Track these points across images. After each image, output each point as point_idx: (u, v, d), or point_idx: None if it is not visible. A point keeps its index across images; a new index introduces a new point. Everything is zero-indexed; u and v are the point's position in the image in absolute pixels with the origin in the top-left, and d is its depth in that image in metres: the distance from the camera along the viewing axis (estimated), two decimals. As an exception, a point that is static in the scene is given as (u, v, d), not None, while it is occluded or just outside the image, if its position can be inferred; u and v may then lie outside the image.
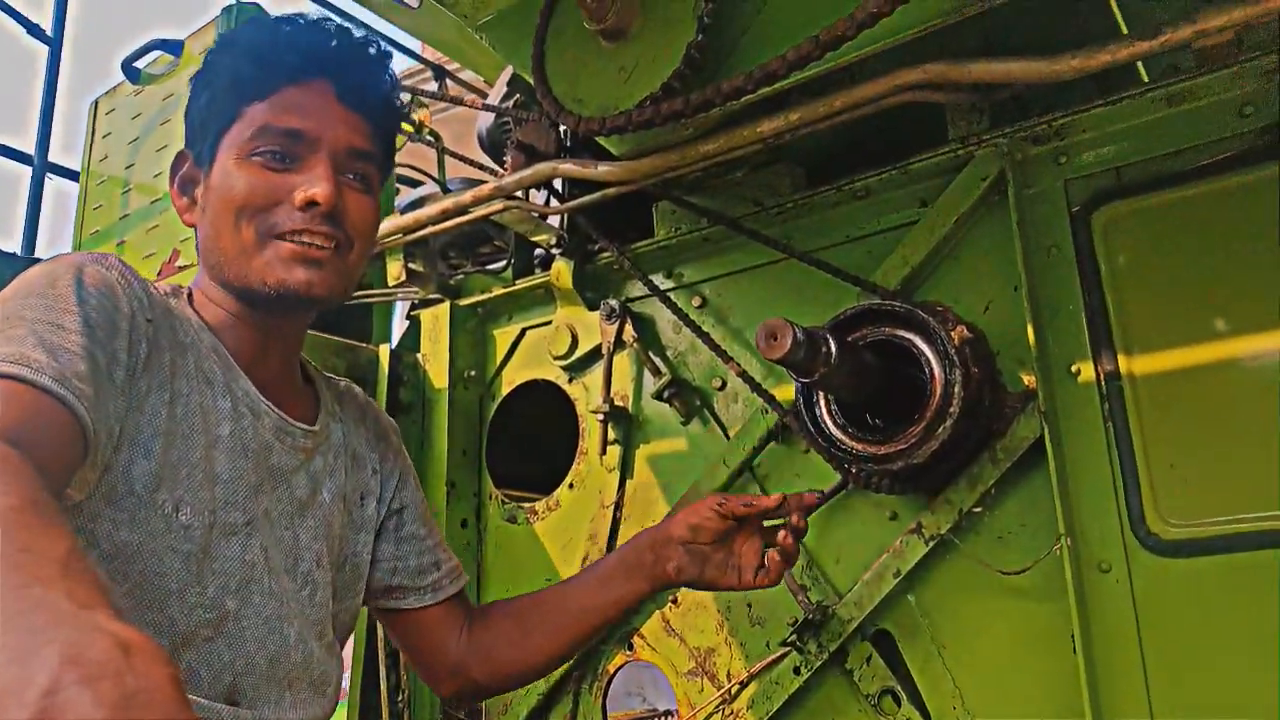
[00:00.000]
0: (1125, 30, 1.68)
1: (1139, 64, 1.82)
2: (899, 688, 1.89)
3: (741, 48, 1.86)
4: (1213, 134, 1.69)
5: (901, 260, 2.00)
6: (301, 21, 1.32)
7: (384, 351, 2.80)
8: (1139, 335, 1.73)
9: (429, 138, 2.95)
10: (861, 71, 1.90)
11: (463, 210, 2.57)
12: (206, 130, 1.29)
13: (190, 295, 1.35)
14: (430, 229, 2.68)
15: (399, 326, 3.21)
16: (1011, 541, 1.81)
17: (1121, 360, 1.73)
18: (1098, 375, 1.74)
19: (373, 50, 1.35)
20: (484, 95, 3.40)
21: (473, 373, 2.83)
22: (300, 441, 1.38)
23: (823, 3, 1.71)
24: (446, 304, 2.83)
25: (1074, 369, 1.78)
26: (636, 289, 2.49)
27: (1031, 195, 1.87)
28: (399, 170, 3.19)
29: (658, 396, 2.37)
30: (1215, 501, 1.62)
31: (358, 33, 1.36)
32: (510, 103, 2.76)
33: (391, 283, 2.97)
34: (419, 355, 2.86)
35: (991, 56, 1.72)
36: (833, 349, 1.61)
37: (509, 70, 2.80)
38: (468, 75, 3.99)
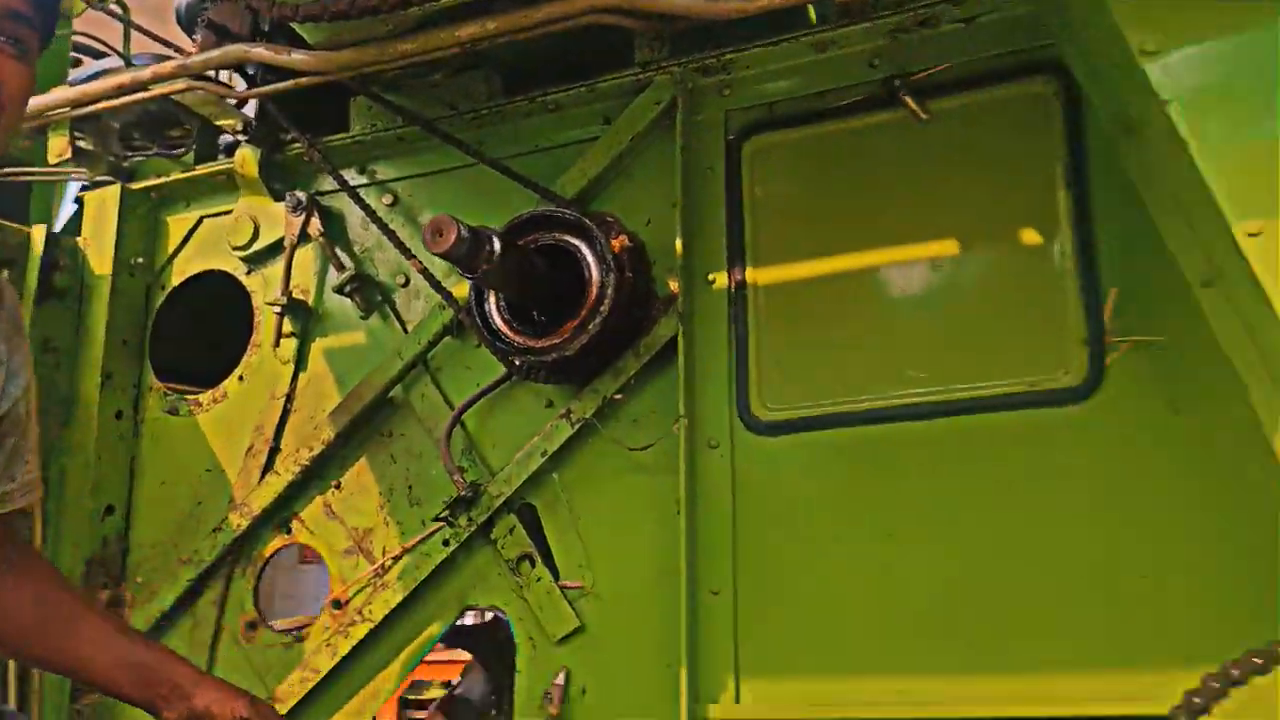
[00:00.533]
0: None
1: (810, 8, 2.12)
2: (534, 553, 2.08)
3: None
4: (847, 80, 2.02)
5: (580, 173, 2.20)
6: None
7: (37, 233, 2.62)
8: (767, 252, 2.03)
9: (114, 7, 2.77)
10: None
11: (141, 87, 2.45)
12: None
13: None
14: (102, 104, 2.52)
15: (71, 209, 2.99)
16: (644, 424, 2.07)
17: (750, 273, 2.03)
18: (729, 285, 2.04)
19: None
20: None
21: (140, 260, 2.70)
22: None
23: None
24: (116, 186, 2.69)
25: (711, 278, 2.06)
26: (327, 183, 2.51)
27: (697, 122, 2.13)
28: (82, 40, 2.97)
29: (339, 290, 2.41)
30: (807, 391, 1.95)
31: None
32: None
33: (54, 160, 2.76)
34: (79, 240, 2.69)
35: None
36: (496, 248, 1.78)
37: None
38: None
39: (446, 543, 2.15)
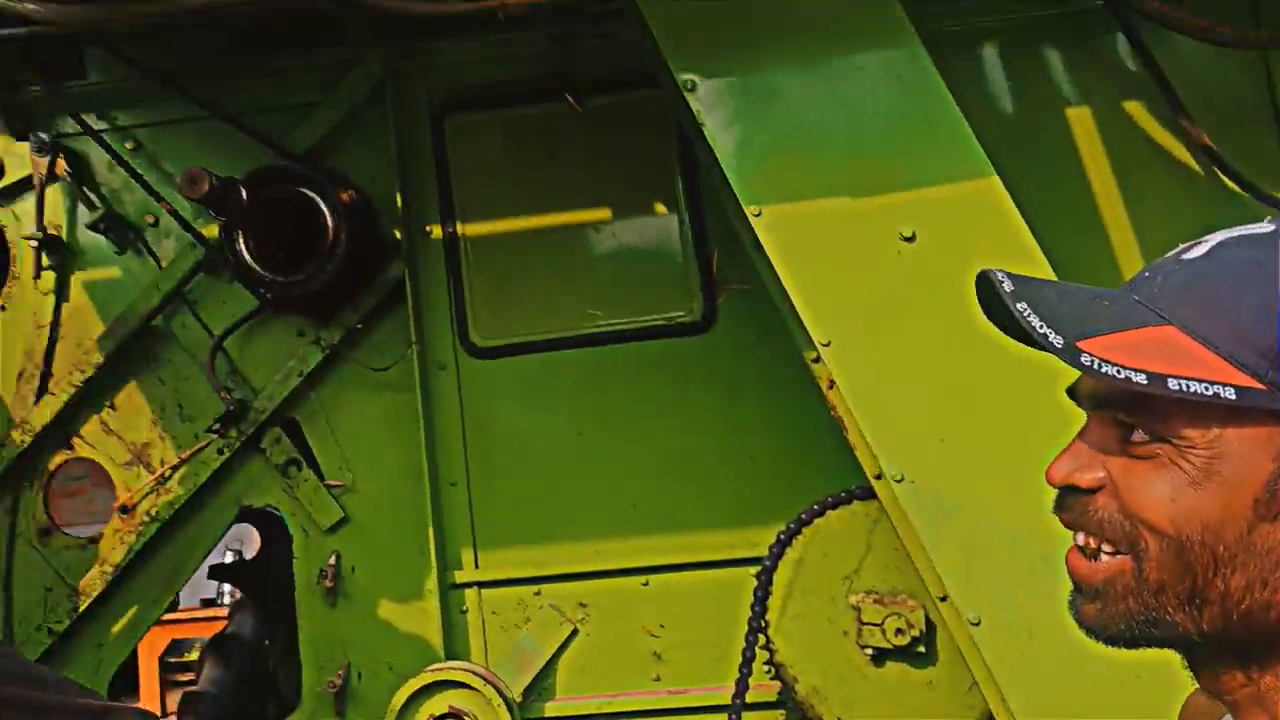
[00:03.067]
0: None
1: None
2: (300, 458, 2.54)
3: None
4: (523, 75, 2.46)
5: (308, 133, 2.53)
6: None
7: None
8: (471, 210, 2.49)
9: None
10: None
11: None
12: None
13: None
14: None
15: None
16: (383, 349, 2.53)
17: (459, 225, 2.49)
18: (444, 234, 2.49)
19: None
20: None
21: (-125, 192, 2.77)
22: None
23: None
24: None
25: (428, 229, 2.50)
26: (70, 126, 2.67)
27: (405, 98, 2.51)
28: None
29: (92, 228, 2.65)
30: (512, 324, 2.48)
31: None
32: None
33: None
34: None
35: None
36: (242, 195, 2.12)
37: None
38: None
39: (221, 451, 2.56)
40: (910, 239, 1.63)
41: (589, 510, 2.42)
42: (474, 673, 2.23)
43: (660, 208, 2.39)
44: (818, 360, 1.87)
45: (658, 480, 2.39)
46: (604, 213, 2.42)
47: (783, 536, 2.11)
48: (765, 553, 2.17)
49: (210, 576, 3.83)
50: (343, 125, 2.53)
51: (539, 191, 2.45)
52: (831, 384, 1.84)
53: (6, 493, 2.71)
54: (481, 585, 2.44)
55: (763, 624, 2.13)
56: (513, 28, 2.39)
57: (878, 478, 1.81)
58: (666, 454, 2.39)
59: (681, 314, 2.37)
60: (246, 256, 2.45)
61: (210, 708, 4.10)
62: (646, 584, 2.37)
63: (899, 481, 1.64)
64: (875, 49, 1.68)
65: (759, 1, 1.73)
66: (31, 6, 2.41)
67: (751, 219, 1.71)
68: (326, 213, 2.41)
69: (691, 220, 2.36)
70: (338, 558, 2.52)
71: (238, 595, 4.34)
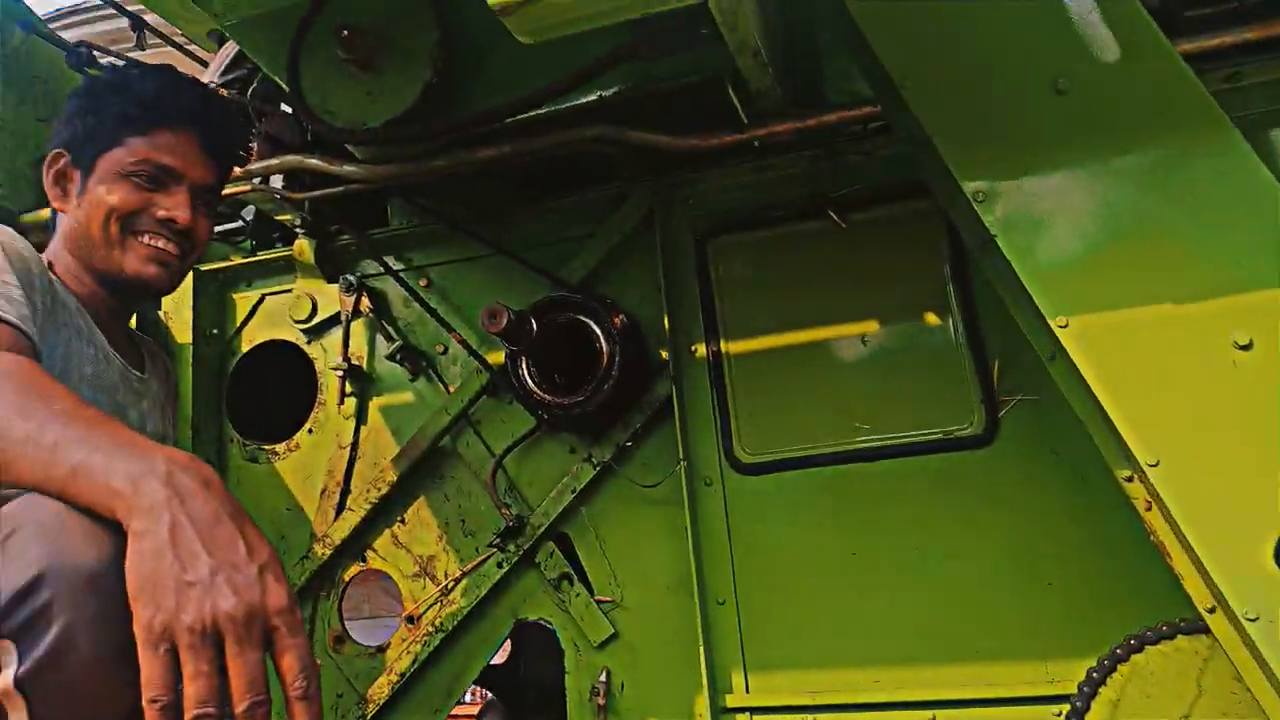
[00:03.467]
0: (744, 120, 2.43)
1: (755, 143, 2.60)
2: (572, 573, 2.62)
3: (468, 91, 2.43)
4: (783, 196, 2.53)
5: (581, 264, 2.69)
6: (179, 79, 1.80)
7: (130, 311, 3.09)
8: (734, 328, 2.55)
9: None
10: (557, 121, 2.54)
11: (213, 190, 2.92)
12: (89, 146, 1.73)
13: (50, 265, 1.77)
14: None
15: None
16: (652, 465, 2.59)
17: (723, 344, 2.55)
18: (708, 353, 2.55)
19: (230, 108, 1.88)
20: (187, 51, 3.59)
21: (215, 331, 3.19)
22: (135, 385, 1.90)
23: (533, 65, 2.32)
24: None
25: (694, 348, 2.57)
26: (372, 267, 3.00)
27: (670, 225, 2.64)
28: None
29: (390, 358, 2.92)
30: (776, 439, 2.48)
31: (220, 93, 1.84)
32: (234, 75, 3.10)
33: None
34: (161, 313, 3.17)
35: (646, 129, 2.43)
36: (533, 326, 2.28)
37: (231, 46, 3.11)
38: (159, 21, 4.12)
39: (500, 565, 2.69)
40: (1247, 347, 1.50)
41: (865, 636, 2.32)
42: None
43: (931, 318, 2.35)
44: (1131, 480, 1.73)
45: (941, 606, 2.27)
46: (870, 325, 2.40)
47: (1095, 674, 1.93)
48: (1072, 690, 2.00)
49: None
50: (613, 254, 2.68)
51: (802, 307, 2.47)
52: (1150, 505, 1.70)
53: (306, 602, 2.95)
54: (754, 711, 2.38)
55: (1071, 767, 1.94)
56: (775, 152, 2.48)
57: (1211, 611, 1.63)
58: (950, 577, 2.27)
59: (960, 427, 2.29)
60: (528, 380, 2.61)
61: None
62: (934, 719, 2.22)
63: (1253, 621, 1.46)
64: (1189, 139, 1.59)
65: (1050, 104, 1.69)
66: (349, 169, 2.76)
67: (1057, 330, 1.63)
68: (601, 337, 2.54)
69: (967, 330, 2.30)
70: (608, 674, 2.55)
71: (487, 696, 4.52)
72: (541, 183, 2.79)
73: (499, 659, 3.70)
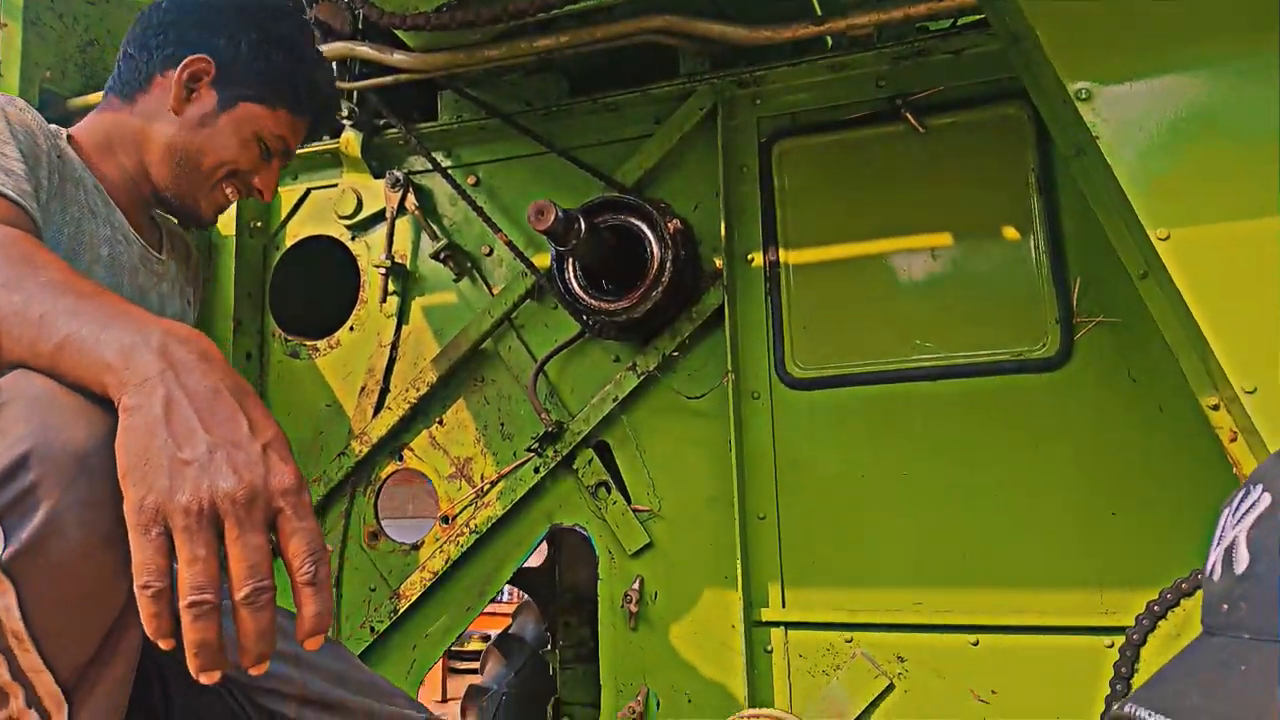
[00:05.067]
0: (819, 12, 2.31)
1: (827, 38, 2.46)
2: (610, 480, 2.57)
3: (526, -23, 2.32)
4: (857, 97, 2.40)
5: (637, 165, 2.59)
6: (333, 75, 1.94)
7: (175, 197, 3.04)
8: (794, 237, 2.44)
9: None
10: (619, 11, 2.43)
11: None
12: (238, 84, 1.71)
13: (69, 138, 1.71)
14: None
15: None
16: (697, 377, 2.52)
17: (781, 253, 2.45)
18: (765, 262, 2.45)
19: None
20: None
21: (259, 224, 3.14)
22: (156, 267, 1.83)
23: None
24: (236, 158, 3.10)
25: (749, 257, 2.48)
26: (419, 164, 2.92)
27: (734, 125, 2.52)
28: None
29: (434, 257, 2.85)
30: (830, 353, 2.39)
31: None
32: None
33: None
34: (207, 203, 3.12)
35: (714, 18, 2.31)
36: (582, 227, 2.19)
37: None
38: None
39: (537, 470, 2.64)
40: (1365, 268, 1.39)
41: (909, 557, 2.26)
42: None
43: (1010, 233, 2.23)
44: (1217, 408, 1.63)
45: (992, 530, 2.19)
46: (941, 238, 2.29)
47: (1156, 607, 1.85)
48: (1128, 623, 1.92)
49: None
50: (670, 156, 2.58)
51: (869, 217, 2.36)
52: (1235, 436, 1.59)
53: (342, 497, 2.94)
54: (789, 625, 2.34)
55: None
56: (853, 49, 2.35)
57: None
58: (1005, 501, 2.19)
59: (1032, 349, 2.18)
60: (574, 284, 2.53)
61: (491, 701, 4.41)
62: (976, 643, 2.16)
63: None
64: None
65: (1163, 2, 1.56)
66: (398, 56, 2.67)
67: (1156, 243, 1.52)
68: (653, 242, 2.45)
69: (1049, 247, 2.18)
70: (641, 583, 2.51)
71: (522, 597, 4.57)
72: (599, 78, 2.68)
73: (534, 561, 3.71)
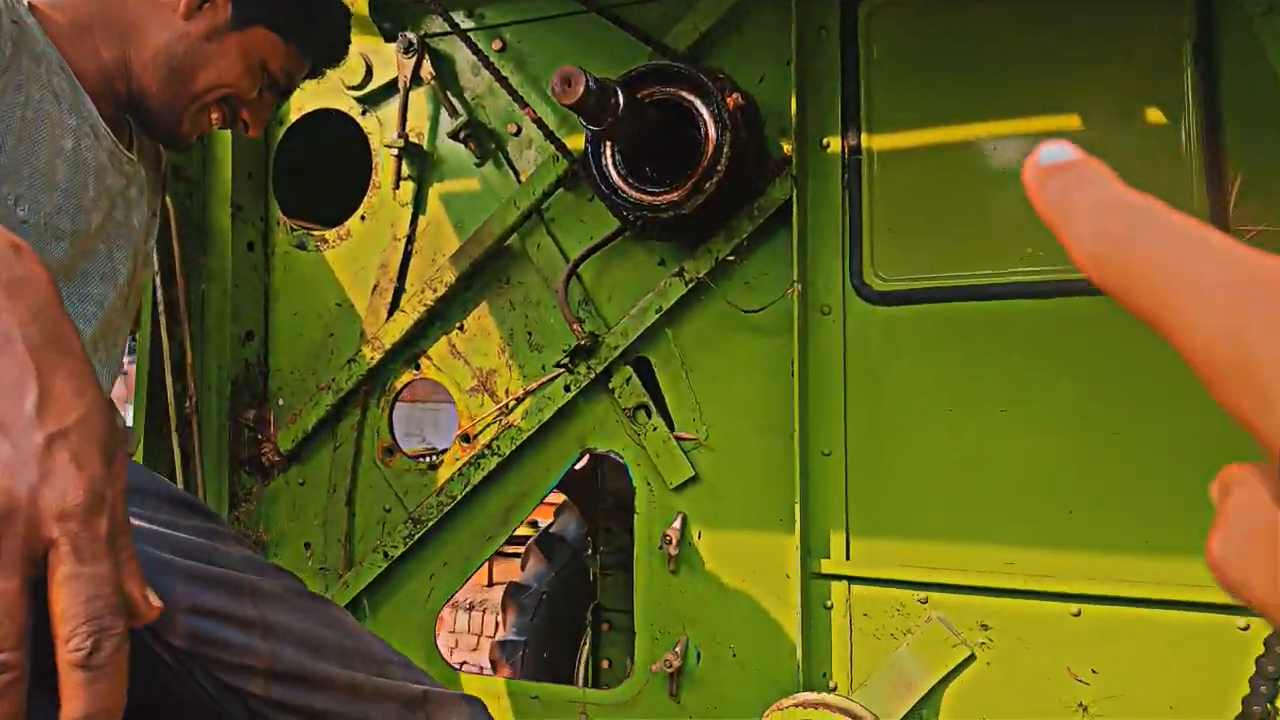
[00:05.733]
0: None
1: None
2: (650, 403, 2.23)
3: None
4: (968, -58, 1.92)
5: (691, 26, 2.15)
6: (346, 16, 1.78)
7: (162, 62, 2.66)
8: (883, 115, 2.01)
9: None
10: None
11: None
12: (257, 5, 1.56)
13: (32, 7, 1.43)
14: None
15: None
16: (756, 286, 2.13)
17: (865, 137, 2.02)
18: (843, 148, 2.03)
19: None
20: None
21: (260, 94, 2.76)
22: (125, 168, 1.58)
23: None
24: (231, 17, 2.70)
25: (825, 141, 2.05)
26: (436, 24, 2.50)
27: (814, -20, 2.06)
28: None
29: (453, 136, 2.46)
30: (919, 261, 1.98)
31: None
32: None
33: None
34: (201, 70, 2.74)
35: None
36: (621, 100, 1.78)
37: None
38: None
39: (567, 388, 2.31)
40: None
41: (1004, 510, 1.90)
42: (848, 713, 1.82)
43: (1154, 116, 1.78)
44: None
45: (1108, 481, 1.82)
46: (1065, 121, 1.85)
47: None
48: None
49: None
50: (733, 14, 2.13)
51: (978, 95, 1.92)
52: None
53: (354, 408, 2.64)
54: (853, 580, 2.01)
55: (1272, 708, 1.53)
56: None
57: None
58: (1125, 448, 1.81)
59: (1173, 264, 1.76)
60: (612, 172, 2.14)
61: (531, 600, 4.40)
62: (1078, 614, 1.82)
63: None
64: None
65: None
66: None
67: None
68: (708, 121, 2.04)
69: (1204, 135, 1.72)
70: (684, 521, 2.19)
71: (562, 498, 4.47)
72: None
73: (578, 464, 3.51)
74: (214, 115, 1.61)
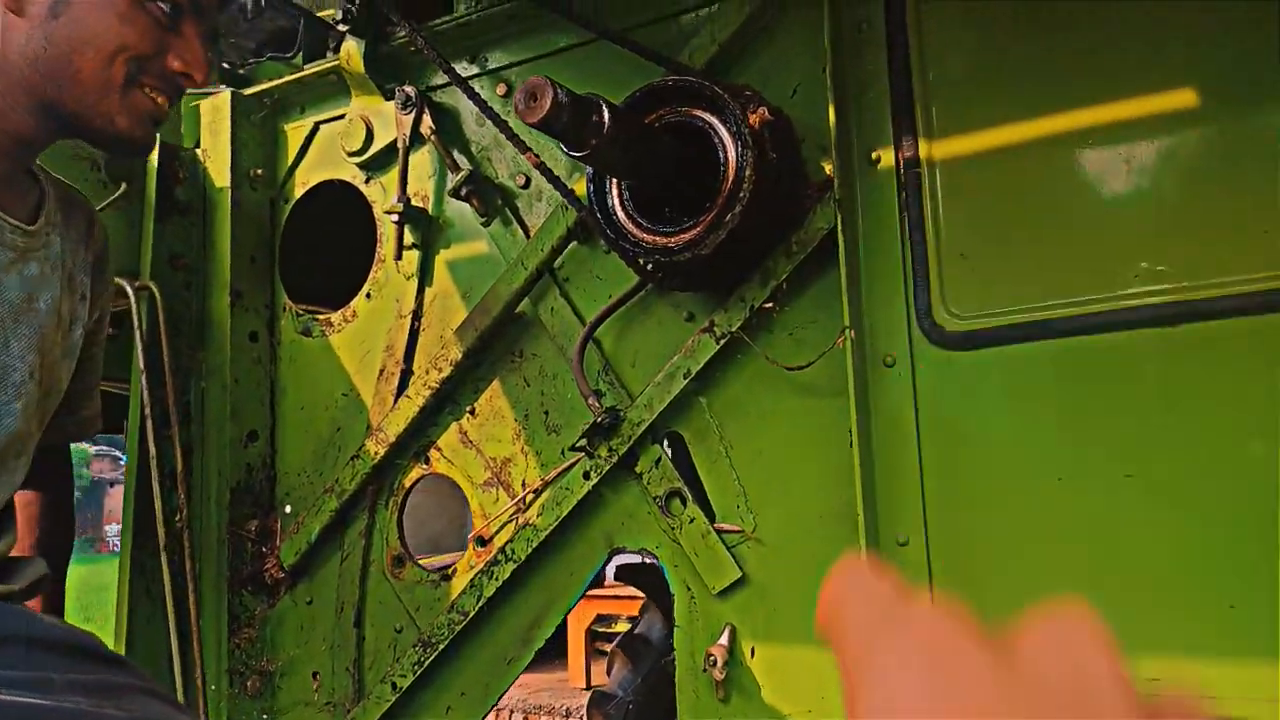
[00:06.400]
0: None
1: None
2: (684, 489, 1.83)
3: None
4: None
5: (710, 38, 1.83)
6: None
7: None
8: (944, 120, 1.62)
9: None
10: None
11: (234, -24, 2.24)
12: None
13: None
14: None
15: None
16: (803, 338, 1.74)
17: (923, 146, 1.63)
18: (898, 162, 1.64)
19: None
20: None
21: (260, 171, 2.55)
22: (9, 238, 1.32)
23: None
24: (227, 93, 2.51)
25: (874, 156, 1.67)
26: (438, 76, 2.25)
27: (850, -33, 1.71)
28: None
29: (454, 194, 2.17)
30: (1003, 292, 1.56)
31: None
32: None
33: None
34: (199, 150, 2.55)
35: None
36: (605, 117, 1.45)
37: None
38: None
39: (587, 475, 1.93)
40: None
41: (1138, 609, 1.42)
42: None
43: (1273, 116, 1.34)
44: None
45: (1268, 569, 1.33)
46: (1179, 99, 1.43)
47: None
48: None
49: (616, 578, 3.81)
50: (754, 23, 1.80)
51: (1061, 83, 1.52)
52: None
53: (361, 511, 2.31)
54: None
55: None
56: None
57: None
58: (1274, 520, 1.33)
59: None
60: (618, 212, 1.80)
61: (617, 709, 4.07)
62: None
63: None
64: None
65: None
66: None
67: None
68: (726, 141, 1.69)
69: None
70: (732, 634, 1.76)
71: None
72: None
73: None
74: (146, 90, 1.33)
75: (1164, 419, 1.43)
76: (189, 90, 2.71)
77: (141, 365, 2.30)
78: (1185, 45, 1.46)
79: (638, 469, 1.89)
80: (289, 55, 2.61)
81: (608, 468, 1.89)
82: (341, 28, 2.28)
